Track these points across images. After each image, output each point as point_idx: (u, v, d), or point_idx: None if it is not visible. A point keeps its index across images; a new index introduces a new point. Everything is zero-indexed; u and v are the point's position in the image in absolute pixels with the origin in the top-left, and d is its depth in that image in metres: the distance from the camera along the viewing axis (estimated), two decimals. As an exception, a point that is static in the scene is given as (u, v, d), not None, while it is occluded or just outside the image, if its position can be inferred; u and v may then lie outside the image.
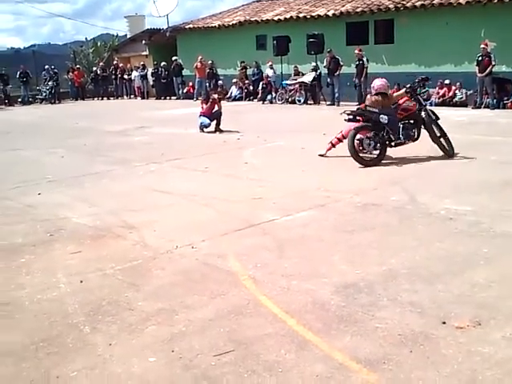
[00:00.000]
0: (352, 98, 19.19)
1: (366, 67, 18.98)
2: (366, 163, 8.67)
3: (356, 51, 19.02)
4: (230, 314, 3.71)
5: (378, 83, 9.34)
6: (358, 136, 8.79)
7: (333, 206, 6.38)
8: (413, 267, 4.42)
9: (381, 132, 8.79)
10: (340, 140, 9.41)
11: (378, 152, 8.80)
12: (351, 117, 8.99)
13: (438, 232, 5.32)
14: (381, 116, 8.80)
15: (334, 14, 20.87)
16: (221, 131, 13.23)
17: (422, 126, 9.20)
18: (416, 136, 9.18)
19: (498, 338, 3.29)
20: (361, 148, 8.84)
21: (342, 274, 4.36)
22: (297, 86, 20.57)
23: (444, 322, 3.49)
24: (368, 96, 9.79)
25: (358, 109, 9.25)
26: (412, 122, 9.14)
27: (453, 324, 3.47)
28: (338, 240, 5.20)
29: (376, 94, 9.23)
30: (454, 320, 3.51)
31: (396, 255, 4.70)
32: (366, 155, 8.88)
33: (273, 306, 3.82)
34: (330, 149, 9.59)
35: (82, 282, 4.40)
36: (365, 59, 18.97)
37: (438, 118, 9.30)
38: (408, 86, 9.31)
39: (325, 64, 19.72)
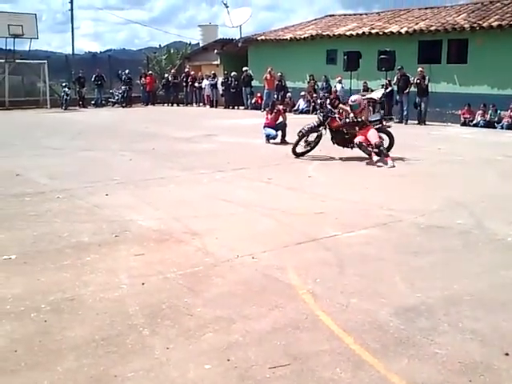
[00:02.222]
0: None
1: (427, 85, 18.74)
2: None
3: (419, 69, 18.78)
4: (288, 328, 3.72)
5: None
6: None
7: (396, 226, 6.30)
8: (476, 294, 4.32)
9: None
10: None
11: None
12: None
13: (503, 259, 5.19)
14: None
15: (406, 32, 20.67)
16: (286, 143, 13.26)
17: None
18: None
19: None
20: None
21: (402, 295, 4.31)
22: (365, 101, 20.39)
23: (507, 354, 3.38)
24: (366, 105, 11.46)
25: None
26: None
27: (516, 356, 3.37)
28: (400, 261, 5.13)
29: None
30: (518, 352, 3.41)
31: (459, 280, 4.60)
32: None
33: (330, 322, 3.80)
34: (387, 158, 10.42)
35: (143, 284, 4.49)
36: (427, 78, 18.70)
37: None
38: None
39: (394, 81, 19.54)
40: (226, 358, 3.35)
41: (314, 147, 11.22)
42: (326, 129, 11.11)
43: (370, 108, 11.02)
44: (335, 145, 11.25)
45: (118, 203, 7.32)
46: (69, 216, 6.63)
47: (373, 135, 10.62)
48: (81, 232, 5.94)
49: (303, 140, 11.23)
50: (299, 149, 11.28)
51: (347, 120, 10.96)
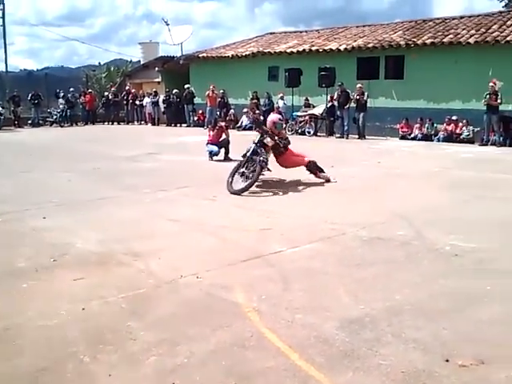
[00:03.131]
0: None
1: (366, 101, 19.27)
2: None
3: (358, 85, 19.23)
4: (233, 347, 3.68)
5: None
6: None
7: (339, 239, 6.36)
8: (417, 303, 4.40)
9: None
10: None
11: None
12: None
13: (442, 268, 5.30)
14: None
15: (345, 49, 21.13)
16: (230, 160, 13.26)
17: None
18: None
19: (502, 378, 3.25)
20: None
21: (346, 308, 4.34)
22: (307, 117, 20.72)
23: (447, 360, 3.45)
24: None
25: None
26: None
27: (456, 362, 3.43)
28: (344, 274, 5.17)
29: None
30: (458, 358, 3.47)
31: (400, 291, 4.67)
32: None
33: (276, 339, 3.79)
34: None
35: (83, 309, 4.36)
36: (366, 94, 19.17)
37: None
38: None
39: (335, 97, 19.91)
40: (170, 381, 3.28)
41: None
42: None
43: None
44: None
45: (57, 226, 7.11)
46: (4, 241, 6.41)
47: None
48: (17, 257, 5.71)
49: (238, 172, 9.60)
50: (236, 185, 9.33)
51: (284, 141, 10.13)
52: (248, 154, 9.54)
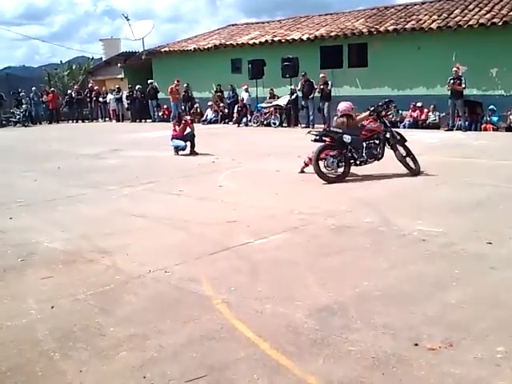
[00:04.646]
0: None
1: (330, 90, 19.34)
2: (329, 180, 9.23)
3: (321, 75, 19.31)
4: (203, 339, 3.68)
5: (342, 106, 9.89)
6: (323, 155, 9.25)
7: (307, 229, 6.39)
8: (386, 289, 4.43)
9: (344, 151, 9.24)
10: (311, 159, 9.50)
11: (341, 170, 9.31)
12: (317, 137, 9.41)
13: (410, 254, 5.36)
14: (344, 136, 9.27)
15: (308, 38, 21.13)
16: (196, 154, 13.24)
17: (387, 146, 9.57)
18: (380, 155, 9.55)
19: (470, 359, 3.30)
20: (326, 166, 9.27)
21: (315, 296, 4.36)
22: (272, 108, 20.72)
23: (416, 344, 3.49)
24: (335, 118, 10.32)
25: (323, 129, 9.67)
26: (376, 141, 9.51)
27: (425, 345, 3.47)
28: (312, 263, 5.20)
29: (341, 116, 9.74)
30: (427, 342, 3.52)
31: (369, 277, 4.71)
32: (331, 172, 9.29)
33: (246, 330, 3.79)
34: (304, 167, 10.03)
35: (53, 307, 4.33)
36: (329, 83, 19.26)
37: (404, 140, 9.67)
38: (372, 108, 9.81)
39: (299, 87, 19.95)
40: (141, 375, 3.27)
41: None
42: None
43: (341, 119, 9.58)
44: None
45: (24, 226, 7.02)
46: (-30, 243, 6.30)
47: None
48: (-17, 259, 5.64)
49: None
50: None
51: None
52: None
